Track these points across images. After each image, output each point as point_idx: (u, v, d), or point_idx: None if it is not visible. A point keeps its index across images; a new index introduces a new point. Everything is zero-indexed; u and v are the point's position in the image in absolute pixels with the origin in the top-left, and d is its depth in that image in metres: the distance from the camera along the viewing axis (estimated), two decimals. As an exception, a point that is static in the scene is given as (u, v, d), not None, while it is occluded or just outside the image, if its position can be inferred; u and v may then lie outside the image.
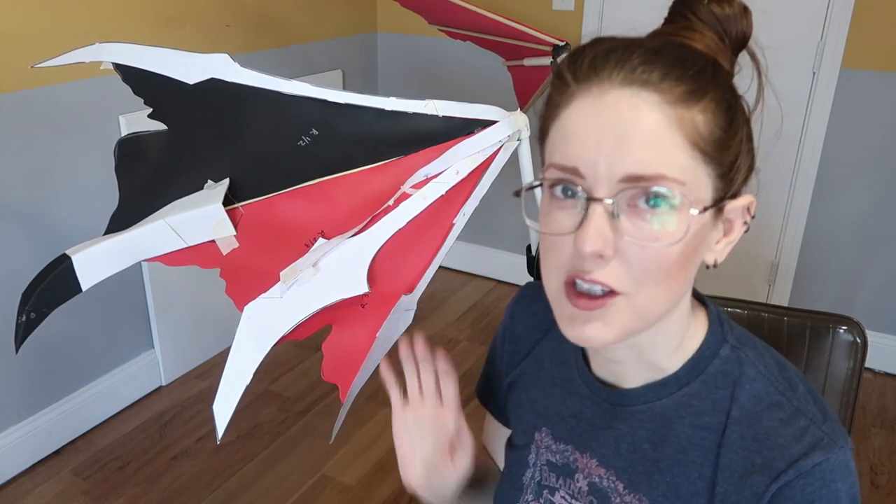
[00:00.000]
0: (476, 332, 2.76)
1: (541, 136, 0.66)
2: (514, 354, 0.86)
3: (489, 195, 1.16)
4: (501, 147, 1.14)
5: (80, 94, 1.95)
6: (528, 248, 1.51)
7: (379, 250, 1.12)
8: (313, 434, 2.19)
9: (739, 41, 0.66)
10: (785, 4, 2.36)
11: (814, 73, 2.38)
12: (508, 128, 1.12)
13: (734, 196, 0.63)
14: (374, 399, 2.28)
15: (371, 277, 1.12)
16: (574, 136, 0.59)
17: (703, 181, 0.60)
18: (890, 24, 2.24)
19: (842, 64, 2.32)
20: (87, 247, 1.12)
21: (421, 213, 1.11)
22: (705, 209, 0.60)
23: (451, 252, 1.20)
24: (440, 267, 1.20)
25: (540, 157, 0.67)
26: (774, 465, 0.63)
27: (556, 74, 0.63)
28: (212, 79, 1.14)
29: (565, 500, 0.76)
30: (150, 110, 1.21)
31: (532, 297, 0.86)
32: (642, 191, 0.57)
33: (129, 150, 1.27)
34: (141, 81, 1.17)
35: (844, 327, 0.99)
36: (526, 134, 1.16)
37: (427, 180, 1.12)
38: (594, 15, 2.63)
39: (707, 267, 0.65)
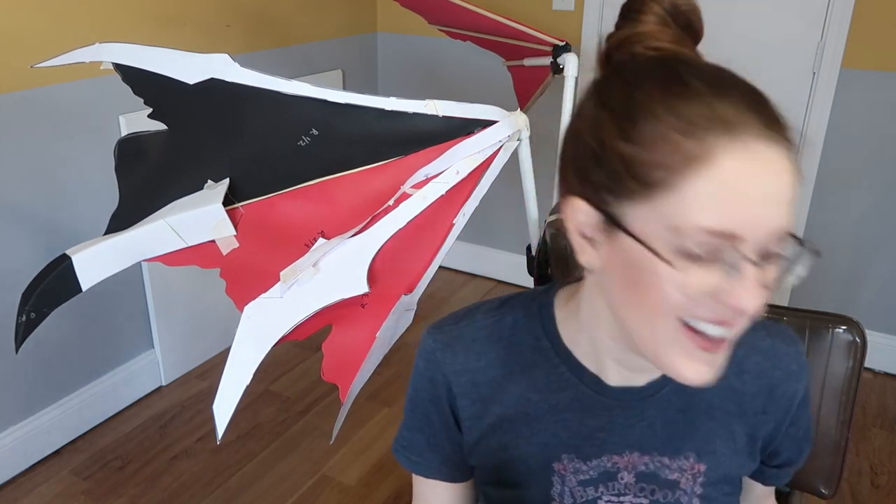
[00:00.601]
0: (476, 332, 2.76)
1: (635, 177, 0.59)
2: (475, 405, 0.78)
3: (489, 195, 1.16)
4: (501, 147, 1.14)
5: (80, 94, 1.95)
6: (528, 248, 1.51)
7: (379, 250, 1.12)
8: (313, 434, 2.19)
9: (696, 39, 0.68)
10: (785, 4, 2.36)
11: (814, 73, 2.38)
12: (508, 128, 1.12)
13: None
14: (374, 399, 2.28)
15: (371, 277, 1.12)
16: (734, 200, 0.57)
17: None
18: (890, 24, 2.24)
19: (842, 64, 2.32)
20: (87, 247, 1.12)
21: (421, 213, 1.11)
22: None
23: (451, 252, 1.20)
24: (440, 267, 1.19)
25: (583, 187, 0.64)
26: (791, 369, 0.79)
27: (678, 112, 0.58)
28: (212, 79, 1.14)
29: (612, 500, 0.78)
30: (150, 110, 1.21)
31: (456, 339, 0.79)
32: (790, 248, 0.60)
33: (129, 150, 1.27)
34: (141, 81, 1.17)
35: (844, 327, 0.99)
36: (526, 134, 1.16)
37: (427, 180, 1.12)
38: (594, 15, 2.63)
39: None
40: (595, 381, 0.75)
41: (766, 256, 0.59)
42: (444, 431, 0.81)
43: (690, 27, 0.67)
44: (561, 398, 0.76)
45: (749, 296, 0.58)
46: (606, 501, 0.78)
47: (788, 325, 0.83)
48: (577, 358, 0.76)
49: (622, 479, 0.77)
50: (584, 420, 0.76)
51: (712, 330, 0.61)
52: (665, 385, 0.76)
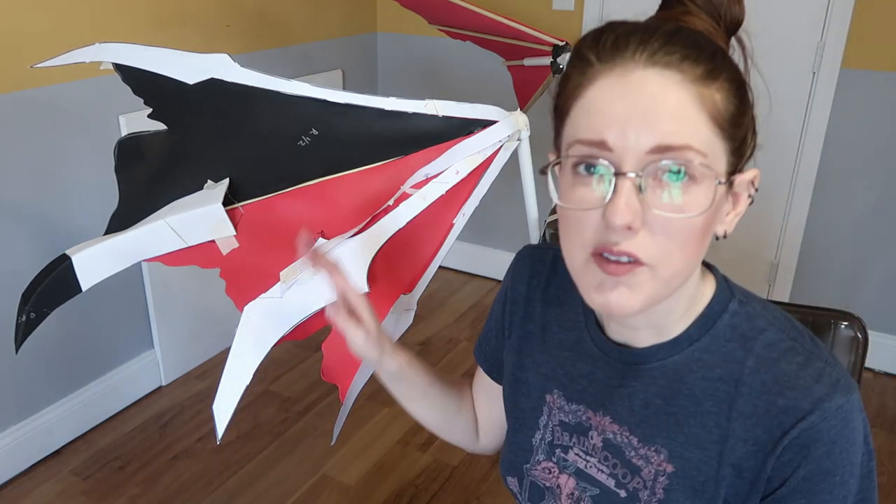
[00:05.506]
0: (476, 332, 2.76)
1: (557, 116, 0.68)
2: (514, 314, 0.88)
3: (489, 195, 1.16)
4: (501, 147, 1.14)
5: (80, 94, 1.95)
6: (528, 248, 1.51)
7: (379, 250, 1.12)
8: (313, 434, 2.19)
9: (733, 25, 0.70)
10: (785, 4, 2.36)
11: (814, 73, 2.38)
12: (508, 128, 1.12)
13: (741, 170, 0.67)
14: (374, 399, 2.28)
15: (371, 277, 1.12)
16: (601, 112, 0.62)
17: (720, 155, 0.63)
18: (890, 24, 2.24)
19: (842, 64, 2.32)
20: (87, 247, 1.12)
21: (421, 213, 1.11)
22: (726, 180, 0.64)
23: (451, 252, 1.20)
24: (440, 267, 1.19)
25: (554, 141, 0.70)
26: (799, 406, 0.66)
27: (576, 55, 0.66)
28: (212, 79, 1.13)
29: (579, 456, 0.79)
30: (150, 110, 1.21)
31: (532, 257, 0.91)
32: (671, 162, 0.60)
33: (129, 150, 1.27)
34: (141, 81, 1.17)
35: (846, 323, 0.99)
36: (526, 134, 1.16)
37: (427, 180, 1.12)
38: (594, 15, 2.62)
39: (716, 238, 0.68)
40: (595, 330, 0.78)
41: (647, 172, 0.61)
42: (495, 329, 0.93)
43: (720, 21, 0.69)
44: (568, 337, 0.82)
45: (615, 207, 0.60)
46: (576, 454, 0.79)
47: (848, 373, 0.69)
48: None
49: (591, 438, 0.78)
50: (576, 363, 0.80)
51: (613, 254, 0.63)
52: (651, 360, 0.73)
